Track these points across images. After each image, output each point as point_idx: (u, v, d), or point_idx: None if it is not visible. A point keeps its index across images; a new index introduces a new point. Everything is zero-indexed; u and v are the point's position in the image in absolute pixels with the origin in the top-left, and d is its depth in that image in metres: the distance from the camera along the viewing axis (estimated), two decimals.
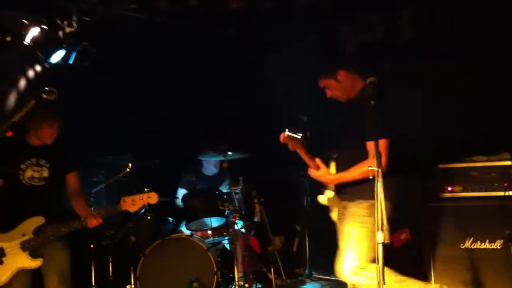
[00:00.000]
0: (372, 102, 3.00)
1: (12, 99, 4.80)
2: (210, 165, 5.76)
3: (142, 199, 3.80)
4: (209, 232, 5.03)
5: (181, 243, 4.68)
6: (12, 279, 3.60)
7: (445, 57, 4.87)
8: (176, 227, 5.25)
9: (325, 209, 5.87)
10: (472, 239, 3.81)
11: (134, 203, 3.79)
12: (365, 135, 3.30)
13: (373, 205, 3.15)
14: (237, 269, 4.68)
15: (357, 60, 5.34)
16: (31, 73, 5.02)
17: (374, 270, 3.07)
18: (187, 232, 5.03)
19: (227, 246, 5.09)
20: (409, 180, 4.21)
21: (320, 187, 3.70)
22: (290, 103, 5.58)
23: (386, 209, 3.12)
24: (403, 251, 4.07)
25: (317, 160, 3.54)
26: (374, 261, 3.17)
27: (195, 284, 4.41)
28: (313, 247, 5.73)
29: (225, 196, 5.03)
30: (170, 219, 5.29)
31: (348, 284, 3.53)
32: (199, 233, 5.02)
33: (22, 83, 4.98)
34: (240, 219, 5.01)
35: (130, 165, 4.87)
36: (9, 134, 3.27)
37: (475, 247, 3.80)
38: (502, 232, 3.68)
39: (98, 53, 4.93)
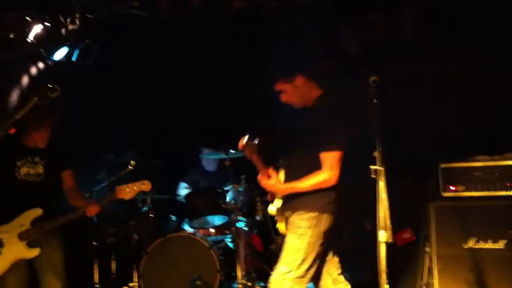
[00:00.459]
0: (375, 101, 2.98)
1: (15, 96, 4.81)
2: (209, 162, 5.77)
3: (135, 187, 3.88)
4: (212, 230, 5.05)
5: (183, 241, 4.70)
6: (10, 270, 3.65)
7: (445, 57, 4.88)
8: (178, 224, 5.25)
9: None
10: (475, 239, 3.81)
11: (129, 191, 3.86)
12: (320, 146, 3.18)
13: (314, 218, 3.19)
14: (240, 268, 4.70)
15: (357, 60, 5.39)
16: (34, 71, 5.03)
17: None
18: (190, 230, 5.04)
19: (230, 245, 5.10)
20: (412, 178, 4.25)
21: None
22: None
23: (327, 221, 3.17)
24: (405, 250, 4.08)
25: (270, 169, 3.40)
26: (305, 275, 3.17)
27: (197, 282, 4.43)
28: None
29: (227, 195, 5.04)
30: (173, 217, 5.31)
31: None
32: (201, 231, 5.03)
33: (25, 80, 4.98)
34: (243, 217, 5.02)
35: (132, 163, 4.88)
36: (12, 131, 3.28)
37: (477, 247, 3.78)
38: (505, 232, 3.68)
39: (101, 51, 4.93)
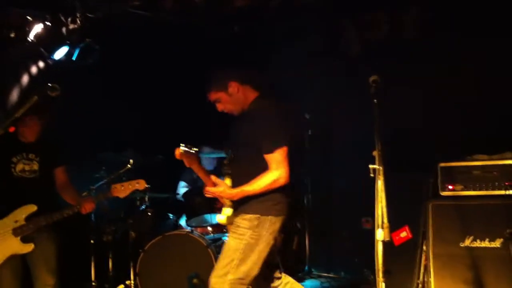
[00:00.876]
0: (375, 101, 2.99)
1: (15, 95, 4.83)
2: (208, 161, 5.78)
3: (130, 185, 3.91)
4: (209, 228, 5.05)
5: (181, 239, 4.68)
6: (4, 265, 3.67)
7: (445, 57, 4.89)
8: (176, 223, 5.26)
9: (325, 207, 5.96)
10: (472, 237, 3.80)
11: (123, 189, 3.89)
12: (263, 147, 3.15)
13: (255, 219, 3.17)
14: None
15: (358, 59, 5.40)
16: (34, 69, 5.04)
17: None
18: (187, 229, 5.05)
19: None
20: (410, 178, 4.25)
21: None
22: (292, 101, 5.59)
23: (273, 223, 3.14)
24: (403, 249, 4.08)
25: (212, 177, 3.34)
26: (245, 277, 3.12)
27: (194, 281, 4.42)
28: (313, 244, 5.75)
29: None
30: (171, 215, 5.31)
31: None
32: (199, 230, 5.03)
33: (25, 79, 5.00)
34: None
35: (131, 161, 4.89)
36: (12, 129, 3.30)
37: (475, 245, 3.78)
38: (503, 231, 3.67)
39: (102, 49, 4.95)
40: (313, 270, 5.70)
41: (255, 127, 3.18)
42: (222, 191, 3.25)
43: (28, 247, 3.70)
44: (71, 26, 4.84)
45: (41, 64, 5.15)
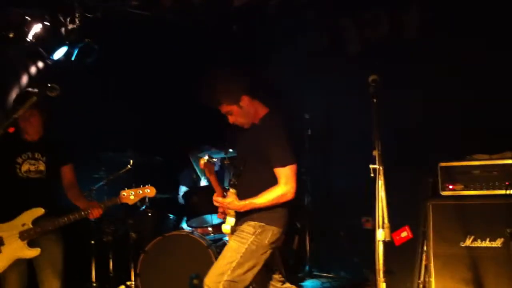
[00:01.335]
0: (375, 100, 2.99)
1: (14, 95, 4.81)
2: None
3: (140, 192, 3.89)
4: (210, 229, 5.05)
5: (181, 240, 4.68)
6: (10, 268, 3.63)
7: (445, 57, 4.88)
8: (176, 223, 5.26)
9: (325, 207, 5.95)
10: (472, 237, 3.79)
11: (132, 196, 3.87)
12: (274, 161, 3.23)
13: (260, 227, 3.23)
14: None
15: (358, 58, 5.40)
16: (33, 69, 5.04)
17: None
18: (188, 229, 5.04)
19: None
20: (411, 177, 4.24)
21: None
22: (292, 101, 5.60)
23: (274, 234, 3.19)
24: (403, 249, 4.07)
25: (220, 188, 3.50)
26: (238, 281, 3.13)
27: (195, 281, 4.42)
28: (313, 244, 5.75)
29: (225, 194, 5.03)
30: (171, 215, 5.31)
31: None
32: (199, 230, 5.03)
33: (25, 79, 4.99)
34: None
35: (131, 161, 4.89)
36: (11, 130, 3.28)
37: (475, 245, 3.77)
38: (503, 230, 3.66)
39: (101, 49, 4.94)
40: (313, 270, 5.69)
41: (268, 141, 3.25)
42: (230, 203, 3.31)
43: (35, 252, 3.65)
44: (70, 26, 4.84)
45: (40, 64, 5.15)
